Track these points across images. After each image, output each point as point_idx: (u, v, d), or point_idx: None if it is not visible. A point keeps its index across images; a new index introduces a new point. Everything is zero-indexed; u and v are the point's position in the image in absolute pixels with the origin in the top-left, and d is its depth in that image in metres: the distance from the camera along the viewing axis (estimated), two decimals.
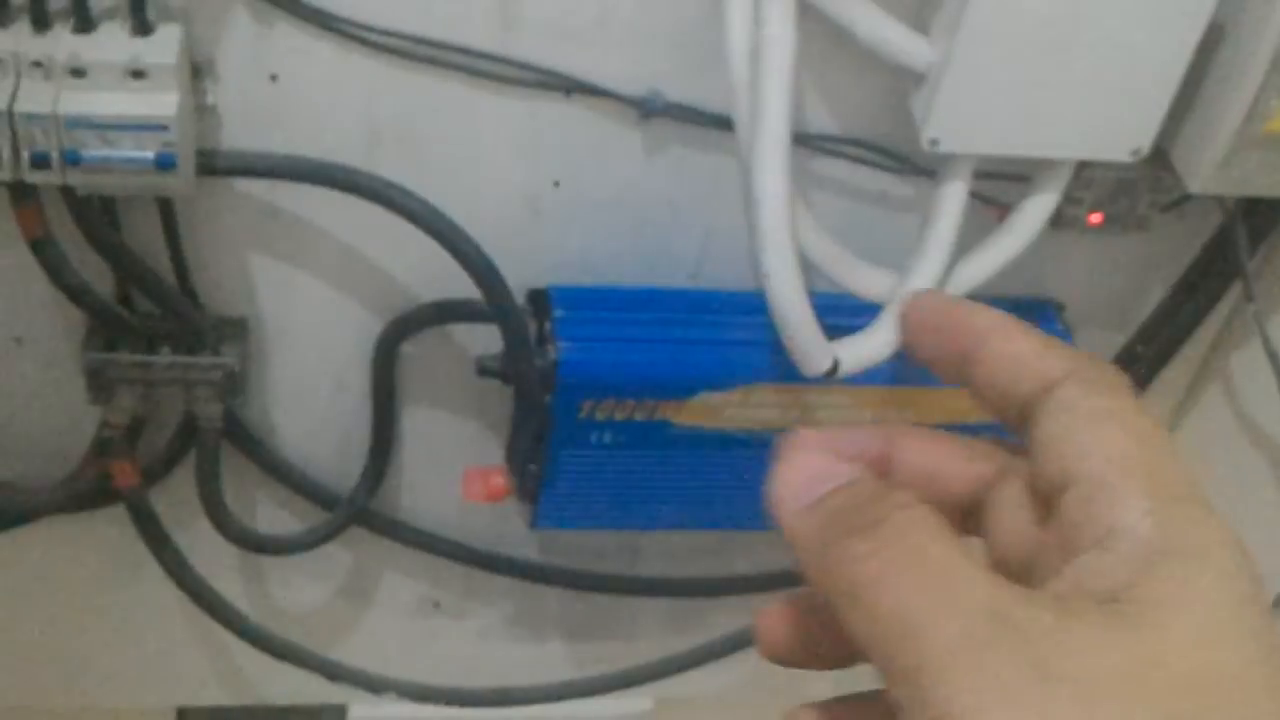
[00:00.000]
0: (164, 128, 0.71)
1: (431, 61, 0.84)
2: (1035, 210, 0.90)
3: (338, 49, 0.82)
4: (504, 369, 0.91)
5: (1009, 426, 0.30)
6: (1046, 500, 0.28)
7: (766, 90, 0.79)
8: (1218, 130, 0.84)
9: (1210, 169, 0.86)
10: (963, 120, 0.83)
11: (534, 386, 0.90)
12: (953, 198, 0.88)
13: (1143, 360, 1.03)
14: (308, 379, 1.00)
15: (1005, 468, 0.31)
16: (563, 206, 0.93)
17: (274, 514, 1.09)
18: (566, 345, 0.93)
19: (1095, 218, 0.95)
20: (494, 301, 0.86)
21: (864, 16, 0.81)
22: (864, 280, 0.90)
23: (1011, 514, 0.30)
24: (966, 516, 0.31)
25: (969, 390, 0.31)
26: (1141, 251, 1.00)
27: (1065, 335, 1.00)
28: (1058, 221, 0.95)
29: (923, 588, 0.25)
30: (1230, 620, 0.25)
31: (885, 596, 0.25)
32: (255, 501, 1.08)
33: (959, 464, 0.32)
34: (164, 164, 0.72)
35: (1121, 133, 0.85)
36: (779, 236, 0.79)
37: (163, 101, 0.71)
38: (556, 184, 0.92)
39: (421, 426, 1.05)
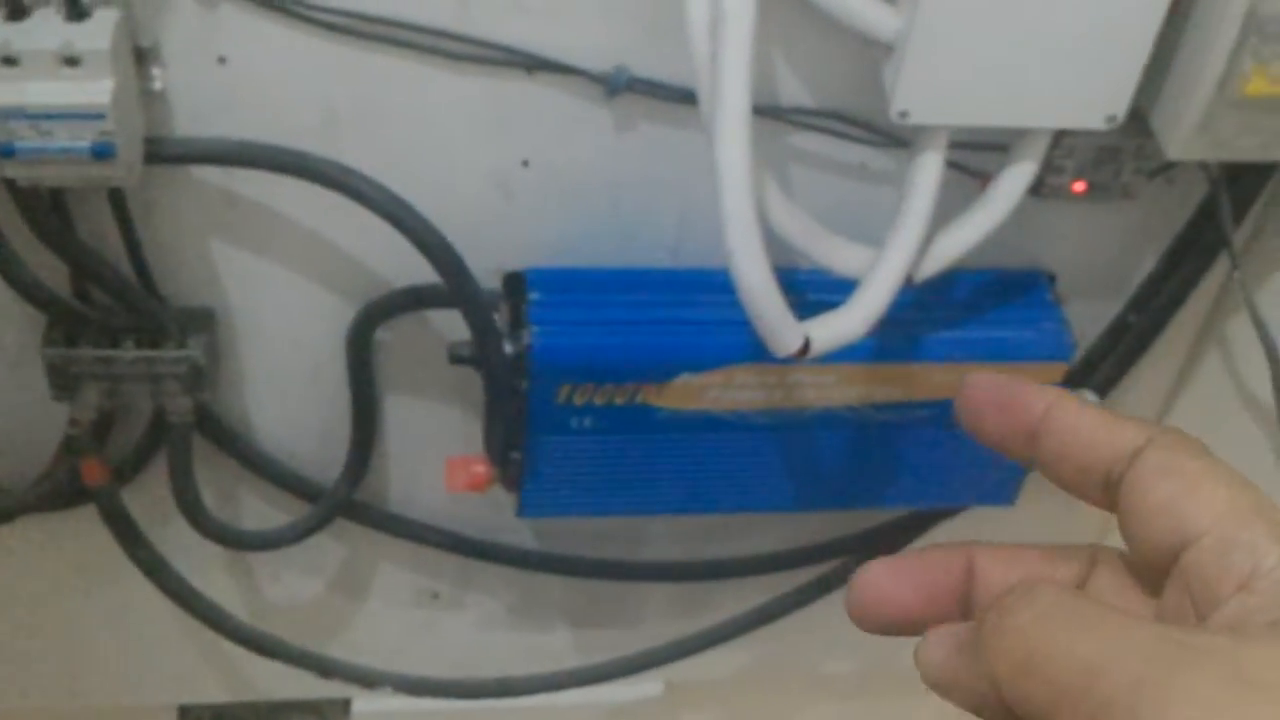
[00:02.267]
0: (99, 116, 0.69)
1: (386, 40, 0.82)
2: (1013, 180, 0.87)
3: (287, 29, 0.81)
4: (474, 356, 0.89)
5: (1086, 497, 0.31)
6: (1156, 566, 0.29)
7: (726, 64, 0.77)
8: (1194, 95, 0.81)
9: (1188, 134, 0.83)
10: (931, 91, 0.80)
11: (502, 372, 0.88)
12: (928, 170, 0.85)
13: (1135, 329, 1.00)
14: (282, 369, 0.99)
15: (1092, 559, 0.31)
16: (534, 187, 0.91)
17: (259, 509, 1.07)
18: (540, 330, 0.91)
19: (1079, 186, 0.92)
20: (455, 287, 0.85)
21: None
22: (839, 256, 0.87)
23: (1118, 596, 0.30)
24: None
25: (1038, 466, 0.32)
26: (1130, 219, 0.97)
27: (1056, 305, 0.97)
28: (1041, 191, 0.92)
29: (1091, 635, 0.26)
30: None
31: (1057, 655, 0.26)
32: (238, 497, 1.06)
33: (1045, 570, 0.32)
34: (101, 153, 0.70)
35: (1095, 100, 0.82)
36: (741, 214, 0.77)
37: (97, 89, 0.70)
38: (525, 164, 0.90)
39: (404, 414, 1.03)
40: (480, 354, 0.88)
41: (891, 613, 0.32)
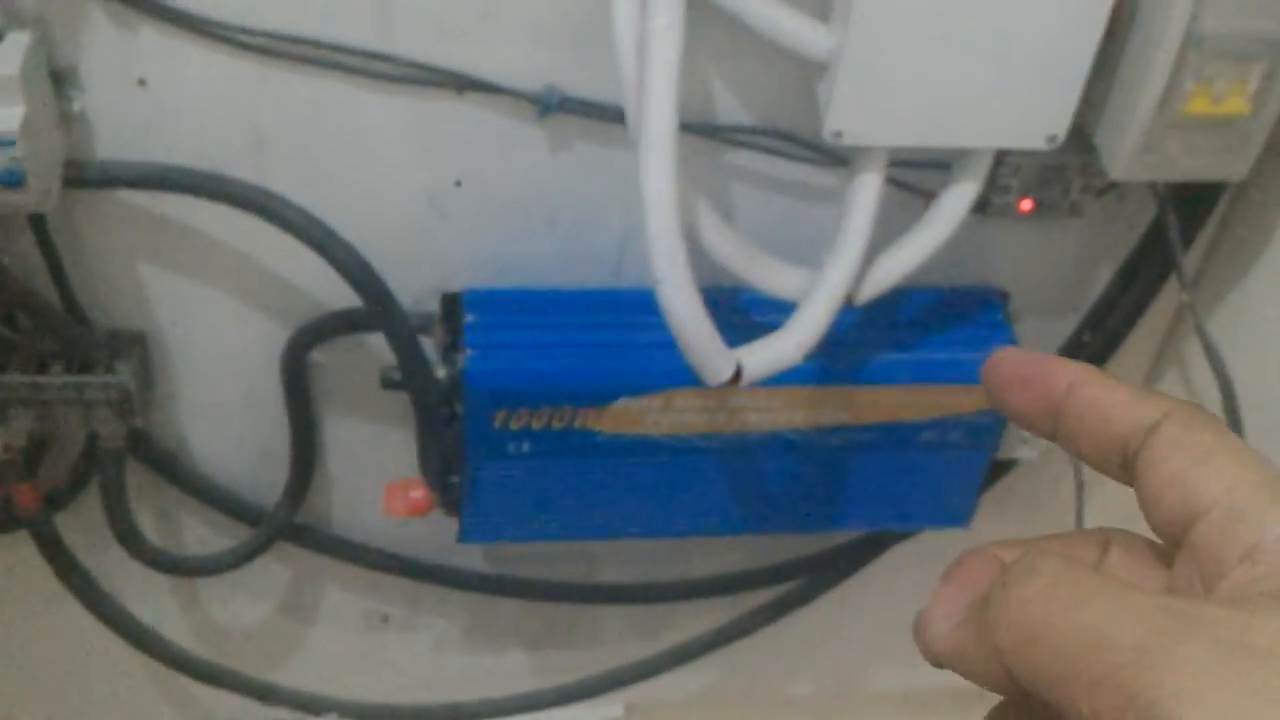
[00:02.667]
0: (9, 143, 0.68)
1: (310, 61, 0.80)
2: (956, 200, 0.85)
3: (208, 51, 0.79)
4: (403, 382, 0.88)
5: (1107, 472, 0.31)
6: (1170, 540, 0.29)
7: (652, 85, 0.75)
8: (1135, 114, 0.79)
9: (1131, 154, 0.81)
10: (865, 111, 0.79)
11: (431, 399, 0.87)
12: (865, 190, 0.83)
13: (1089, 349, 0.99)
14: (218, 392, 0.97)
15: (1105, 543, 0.32)
16: (469, 207, 0.89)
17: (201, 533, 1.06)
18: (475, 353, 0.89)
19: (1026, 205, 0.90)
20: (378, 312, 0.83)
21: (755, 3, 0.77)
22: (776, 278, 0.85)
23: (1131, 574, 0.31)
24: None
25: (1060, 441, 0.32)
26: (1081, 237, 0.95)
27: (1007, 325, 0.95)
28: (988, 210, 0.90)
29: (1095, 606, 0.26)
30: None
31: (1061, 625, 0.26)
32: (178, 521, 1.05)
33: (1062, 552, 0.32)
34: (10, 180, 0.69)
35: (1035, 120, 0.80)
36: (668, 242, 0.75)
37: (7, 115, 0.68)
38: (458, 183, 0.88)
39: (345, 436, 1.01)
40: (407, 380, 0.86)
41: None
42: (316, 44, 0.80)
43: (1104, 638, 0.25)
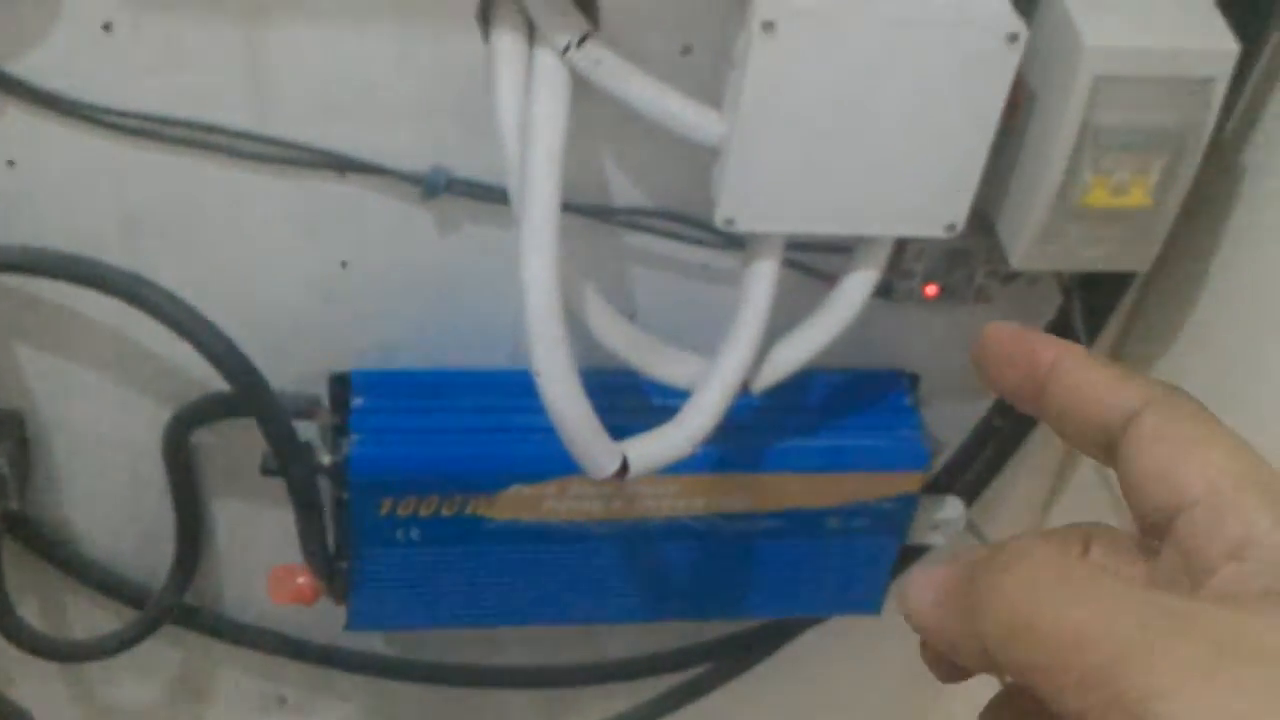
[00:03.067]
0: None
1: (185, 143, 0.78)
2: (855, 287, 0.83)
3: (77, 132, 0.76)
4: (277, 469, 0.84)
5: (1090, 455, 0.31)
6: (1151, 531, 0.29)
7: (533, 171, 0.73)
8: (1034, 204, 0.77)
9: (1030, 244, 0.79)
10: (756, 198, 0.76)
11: (307, 487, 0.84)
12: (761, 277, 0.81)
13: (1000, 434, 0.96)
14: (100, 473, 0.94)
15: (1086, 539, 0.31)
16: (356, 288, 0.86)
17: (89, 615, 1.02)
18: (361, 438, 0.86)
19: (931, 290, 0.88)
20: (248, 397, 0.80)
21: (641, 89, 0.74)
22: (669, 366, 0.83)
23: (1118, 554, 0.30)
24: None
25: (1047, 422, 0.32)
26: (990, 320, 0.93)
27: (914, 409, 0.93)
28: (892, 295, 0.88)
29: (1083, 600, 0.25)
30: None
31: (1047, 618, 0.25)
32: (64, 604, 1.01)
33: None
34: None
35: (932, 208, 0.78)
36: (547, 333, 0.73)
37: None
38: (344, 265, 0.85)
39: (234, 519, 0.98)
40: (282, 468, 0.83)
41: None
42: (190, 125, 0.77)
43: (1094, 632, 0.25)
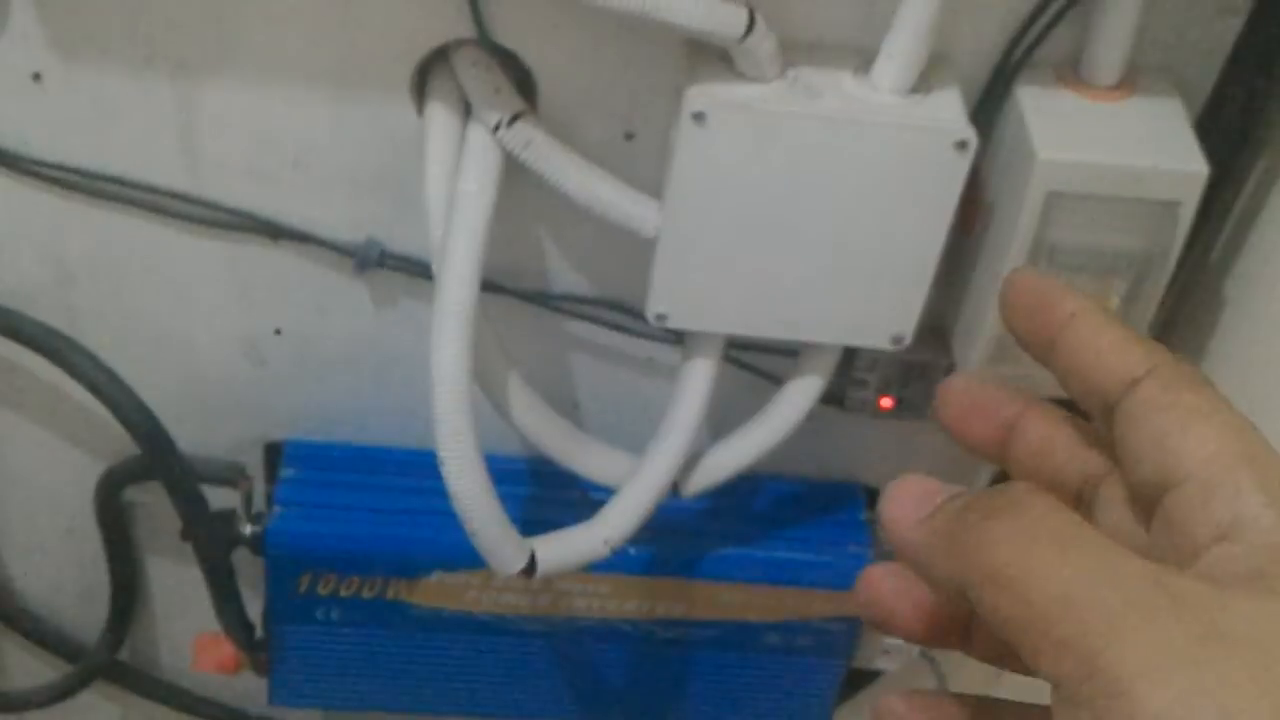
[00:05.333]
0: None
1: (115, 199, 0.76)
2: (798, 395, 0.79)
3: (10, 182, 0.75)
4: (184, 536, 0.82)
5: (1089, 416, 0.30)
6: (1145, 500, 0.28)
7: (453, 251, 0.70)
8: (986, 321, 0.73)
9: (983, 364, 0.74)
10: (690, 294, 0.73)
11: (214, 556, 0.81)
12: (696, 377, 0.77)
13: None
14: (36, 525, 0.93)
15: (1096, 483, 0.30)
16: (290, 356, 0.84)
17: (29, 666, 1.01)
18: (283, 511, 0.84)
19: (886, 402, 0.83)
20: (155, 463, 0.78)
21: (572, 173, 0.71)
22: (594, 462, 0.79)
23: (1118, 513, 0.29)
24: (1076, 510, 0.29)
25: (1056, 376, 0.31)
26: (950, 439, 0.88)
27: (866, 525, 0.88)
28: (845, 404, 0.84)
29: (1074, 562, 0.25)
30: None
31: (1035, 574, 0.25)
32: (3, 654, 1.00)
33: (1072, 452, 0.31)
34: None
35: (878, 318, 0.74)
36: (453, 420, 0.69)
37: None
38: (278, 332, 0.83)
39: (168, 578, 0.96)
40: (189, 536, 0.81)
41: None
42: (124, 182, 0.76)
43: (1081, 597, 0.24)
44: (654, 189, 0.73)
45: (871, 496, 0.90)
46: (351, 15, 0.69)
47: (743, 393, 0.82)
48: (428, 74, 0.73)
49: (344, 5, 0.69)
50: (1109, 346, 0.29)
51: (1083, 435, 0.31)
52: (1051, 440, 0.31)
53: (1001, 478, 0.88)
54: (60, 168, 0.75)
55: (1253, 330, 0.75)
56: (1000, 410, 0.32)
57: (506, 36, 0.70)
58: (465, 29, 0.70)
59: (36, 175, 0.75)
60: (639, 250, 0.76)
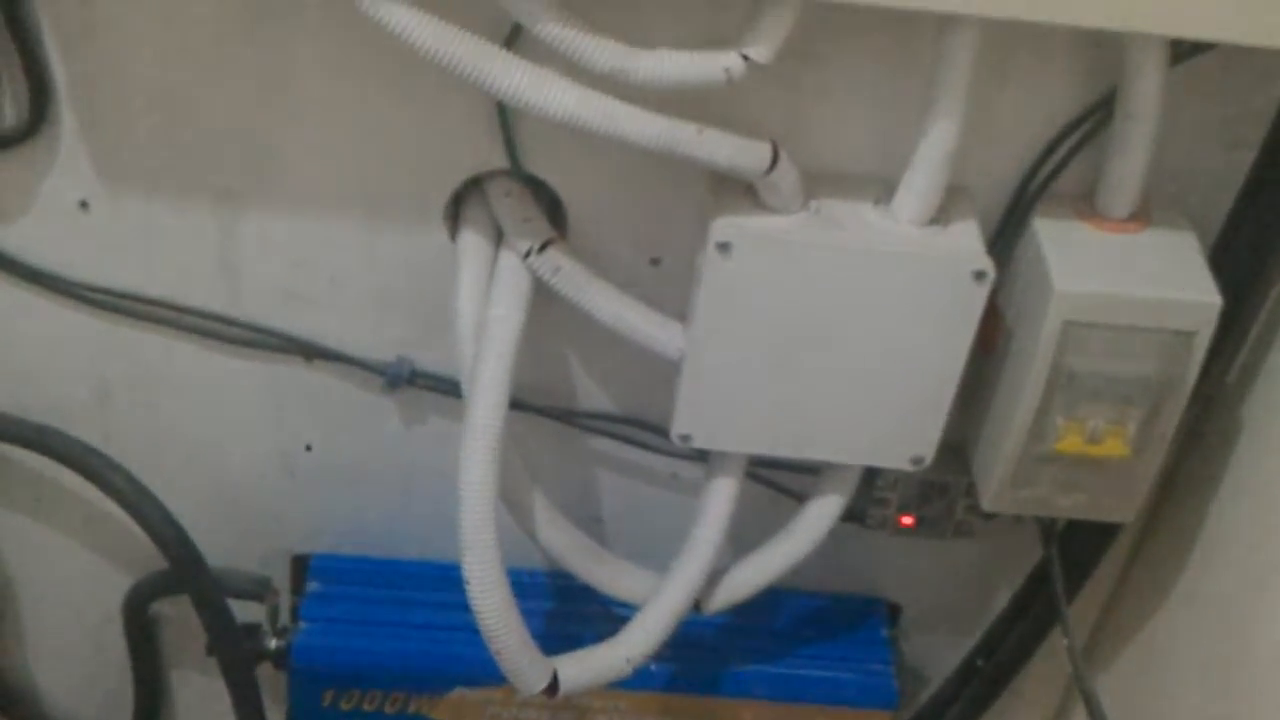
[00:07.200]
0: None
1: (155, 320, 0.79)
2: (820, 512, 0.80)
3: (56, 305, 0.78)
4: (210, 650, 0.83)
5: None
6: None
7: (482, 374, 0.72)
8: (1004, 445, 0.74)
9: (1000, 485, 0.75)
10: (713, 415, 0.74)
11: (240, 670, 0.82)
12: (720, 495, 0.78)
13: (982, 674, 0.91)
14: (64, 635, 0.94)
15: None
16: (319, 471, 0.86)
17: None
18: (308, 627, 0.85)
19: (906, 520, 0.84)
20: (186, 580, 0.79)
21: (600, 299, 0.73)
22: (618, 580, 0.80)
23: None
24: None
25: None
26: (975, 555, 0.89)
27: (888, 643, 0.88)
28: (867, 522, 0.85)
29: None
30: None
31: None
32: None
33: None
34: None
35: (897, 440, 0.75)
36: (480, 541, 0.71)
37: None
38: (309, 448, 0.85)
39: (193, 692, 0.97)
40: (215, 650, 0.82)
41: None
42: (161, 304, 0.78)
43: None
44: (680, 311, 0.75)
45: (893, 612, 0.90)
46: (390, 146, 0.72)
47: (765, 507, 0.83)
48: (461, 202, 0.75)
49: (383, 137, 0.71)
50: None
51: None
52: None
53: (1020, 599, 0.89)
54: (103, 290, 0.77)
55: (1270, 454, 0.76)
56: None
57: (538, 166, 0.73)
58: (498, 159, 0.73)
59: (80, 298, 0.77)
60: (663, 370, 0.78)
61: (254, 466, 0.85)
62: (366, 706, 0.85)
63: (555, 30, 0.61)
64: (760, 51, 0.62)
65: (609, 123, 0.63)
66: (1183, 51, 0.66)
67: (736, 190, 0.70)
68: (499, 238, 0.74)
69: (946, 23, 0.63)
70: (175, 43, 0.68)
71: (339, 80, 0.69)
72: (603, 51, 0.61)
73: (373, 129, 0.71)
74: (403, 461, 0.85)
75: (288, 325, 0.79)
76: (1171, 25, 0.59)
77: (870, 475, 0.81)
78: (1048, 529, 0.81)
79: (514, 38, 0.65)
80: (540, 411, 0.82)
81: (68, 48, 0.68)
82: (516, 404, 0.78)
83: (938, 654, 0.92)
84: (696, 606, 0.80)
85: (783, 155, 0.67)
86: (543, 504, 0.78)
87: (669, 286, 0.76)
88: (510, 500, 0.77)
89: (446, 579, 0.88)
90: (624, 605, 0.82)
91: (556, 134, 0.63)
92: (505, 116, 0.71)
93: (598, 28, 0.61)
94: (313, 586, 0.86)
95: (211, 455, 0.84)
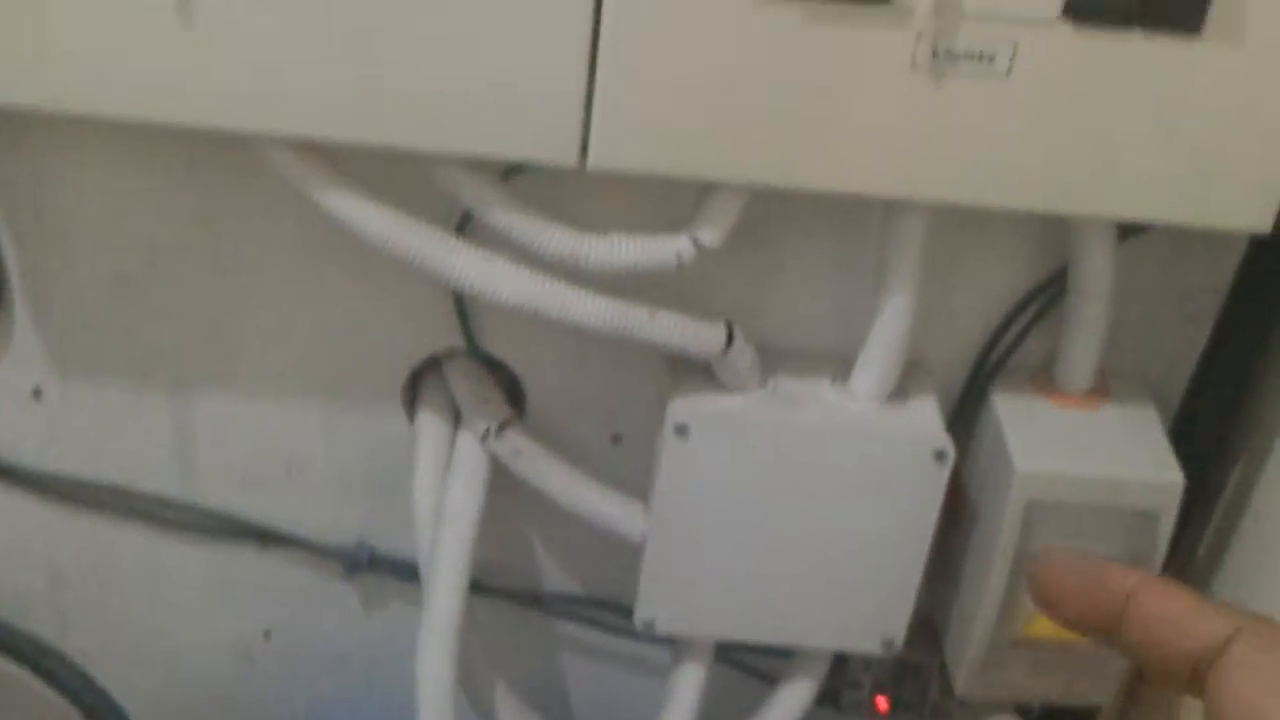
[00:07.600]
0: None
1: (108, 507, 0.77)
2: (791, 698, 0.77)
3: (9, 494, 0.77)
4: None
5: (1172, 685, 0.30)
6: None
7: (440, 561, 0.70)
8: (974, 627, 0.72)
9: (972, 670, 0.73)
10: (677, 600, 0.73)
11: None
12: (686, 681, 0.76)
13: None
14: None
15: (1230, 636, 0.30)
16: (279, 659, 0.84)
17: None
18: None
19: (881, 703, 0.82)
20: None
21: (560, 481, 0.72)
22: None
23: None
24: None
25: (1121, 651, 0.31)
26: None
27: None
28: (840, 705, 0.82)
29: None
30: None
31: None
32: None
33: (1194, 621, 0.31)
34: None
35: (866, 622, 0.73)
36: None
37: None
38: (267, 635, 0.83)
39: None
40: None
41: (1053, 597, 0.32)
42: (116, 491, 0.77)
43: None
44: (642, 489, 0.74)
45: None
46: (345, 329, 0.72)
47: (735, 689, 0.81)
48: (419, 382, 0.75)
49: (338, 319, 0.71)
50: (1187, 613, 0.30)
51: (1193, 605, 0.31)
52: (1162, 616, 0.31)
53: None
54: (56, 479, 0.76)
55: None
56: (1104, 591, 0.32)
57: (495, 346, 0.73)
58: (455, 340, 0.72)
59: (33, 486, 0.76)
60: (627, 550, 0.76)
61: (210, 655, 0.83)
62: None
63: (505, 218, 0.61)
64: (710, 235, 0.63)
65: (560, 308, 0.63)
66: (1131, 229, 0.66)
67: (694, 369, 0.70)
68: (458, 418, 0.74)
69: (892, 206, 0.64)
70: (128, 230, 0.68)
71: (294, 264, 0.70)
72: (553, 238, 0.62)
73: (329, 311, 0.71)
74: (363, 648, 0.83)
75: (243, 511, 0.78)
76: (1112, 207, 0.59)
77: (842, 658, 0.79)
78: (1025, 711, 0.79)
79: (464, 224, 0.65)
80: (501, 594, 0.80)
81: (19, 237, 0.68)
82: (477, 587, 0.76)
83: None
84: None
85: (738, 335, 0.67)
86: (504, 690, 0.76)
87: (631, 463, 0.75)
88: (470, 686, 0.75)
89: None
90: None
91: (513, 315, 0.63)
92: (461, 298, 0.71)
93: (550, 212, 0.61)
94: None
95: (166, 645, 0.82)
